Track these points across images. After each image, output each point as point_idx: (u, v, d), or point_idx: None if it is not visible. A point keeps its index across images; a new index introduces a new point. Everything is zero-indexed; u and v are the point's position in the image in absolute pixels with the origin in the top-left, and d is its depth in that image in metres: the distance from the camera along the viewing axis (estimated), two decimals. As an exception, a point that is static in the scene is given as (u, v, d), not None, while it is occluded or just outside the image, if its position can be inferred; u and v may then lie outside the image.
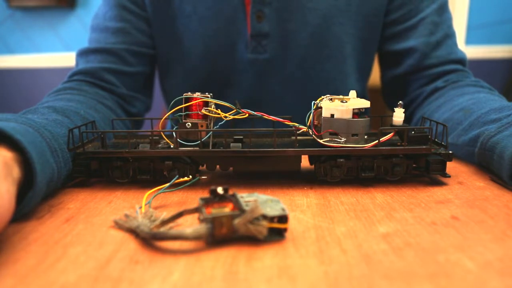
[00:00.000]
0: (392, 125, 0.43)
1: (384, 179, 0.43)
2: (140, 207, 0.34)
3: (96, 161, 0.42)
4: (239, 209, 0.29)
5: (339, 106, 0.40)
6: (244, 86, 0.69)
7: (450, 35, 0.67)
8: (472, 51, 1.86)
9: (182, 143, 0.42)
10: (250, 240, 0.29)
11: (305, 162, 0.46)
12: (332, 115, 0.40)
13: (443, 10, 0.67)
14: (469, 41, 1.92)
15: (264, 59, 0.67)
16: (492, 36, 1.91)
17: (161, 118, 0.43)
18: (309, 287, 0.23)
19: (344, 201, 0.37)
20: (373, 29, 0.69)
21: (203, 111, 0.41)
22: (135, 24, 0.67)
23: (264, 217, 0.28)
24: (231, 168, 0.43)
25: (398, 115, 0.43)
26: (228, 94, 0.70)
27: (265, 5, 0.64)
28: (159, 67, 0.75)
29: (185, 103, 0.42)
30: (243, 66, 0.68)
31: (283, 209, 0.29)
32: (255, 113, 0.41)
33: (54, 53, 2.00)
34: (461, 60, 0.66)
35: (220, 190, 0.31)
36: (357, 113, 0.40)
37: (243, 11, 0.65)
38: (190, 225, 0.32)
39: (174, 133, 0.41)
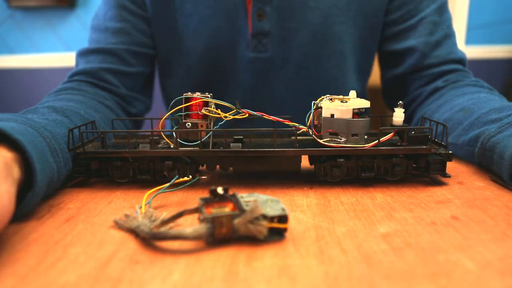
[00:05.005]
0: (392, 125, 0.43)
1: (384, 179, 0.43)
2: (140, 207, 0.34)
3: (96, 161, 0.42)
4: (239, 209, 0.29)
5: (339, 106, 0.40)
6: (245, 85, 0.69)
7: (450, 35, 0.67)
8: (472, 51, 1.86)
9: (182, 143, 0.42)
10: (250, 240, 0.29)
11: (305, 162, 0.46)
12: (332, 115, 0.40)
13: (443, 10, 0.67)
14: (469, 41, 1.92)
15: (265, 58, 0.67)
16: (492, 36, 1.92)
17: (161, 118, 0.43)
18: (309, 287, 0.23)
19: (344, 201, 0.37)
20: (373, 28, 0.69)
21: (203, 111, 0.41)
22: (135, 24, 0.67)
23: (264, 217, 0.28)
24: (231, 168, 0.43)
25: (398, 115, 0.43)
26: (229, 93, 0.70)
27: (266, 3, 0.64)
28: (159, 67, 0.75)
29: (185, 103, 0.42)
30: (244, 65, 0.68)
31: (283, 209, 0.29)
32: (255, 113, 0.41)
33: (54, 53, 2.01)
34: (461, 60, 0.67)
35: (220, 190, 0.31)
36: (357, 113, 0.40)
37: (244, 10, 0.65)
38: (190, 225, 0.32)
39: (174, 133, 0.41)
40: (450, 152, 0.41)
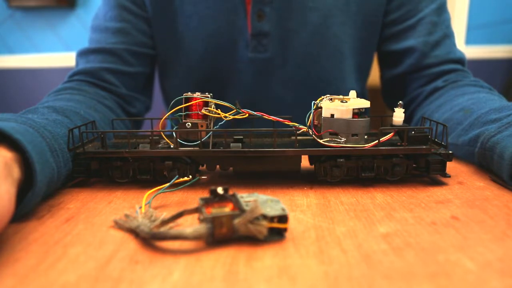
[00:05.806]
0: (392, 125, 0.43)
1: (384, 179, 0.43)
2: (140, 207, 0.34)
3: (96, 161, 0.42)
4: (239, 209, 0.29)
5: (339, 106, 0.40)
6: (244, 85, 0.69)
7: (448, 35, 0.67)
8: (472, 51, 1.86)
9: (182, 143, 0.42)
10: (250, 240, 0.29)
11: (305, 162, 0.46)
12: (332, 115, 0.40)
13: (442, 10, 0.67)
14: (469, 41, 1.92)
15: (264, 59, 0.67)
16: (492, 36, 1.92)
17: (161, 118, 0.43)
18: (309, 287, 0.23)
19: (344, 201, 0.37)
20: (372, 29, 0.69)
21: (203, 111, 0.41)
22: (135, 24, 0.67)
23: (264, 217, 0.28)
24: (231, 168, 0.43)
25: (398, 115, 0.43)
26: (228, 93, 0.70)
27: (266, 4, 0.64)
28: (159, 67, 0.75)
29: (185, 103, 0.42)
30: (244, 65, 0.68)
31: (283, 209, 0.29)
32: (255, 113, 0.41)
33: (54, 53, 2.00)
34: (460, 60, 0.67)
35: (220, 190, 0.31)
36: (357, 113, 0.40)
37: (243, 10, 0.65)
38: (190, 225, 0.32)
39: (174, 133, 0.41)
40: (450, 152, 0.41)
